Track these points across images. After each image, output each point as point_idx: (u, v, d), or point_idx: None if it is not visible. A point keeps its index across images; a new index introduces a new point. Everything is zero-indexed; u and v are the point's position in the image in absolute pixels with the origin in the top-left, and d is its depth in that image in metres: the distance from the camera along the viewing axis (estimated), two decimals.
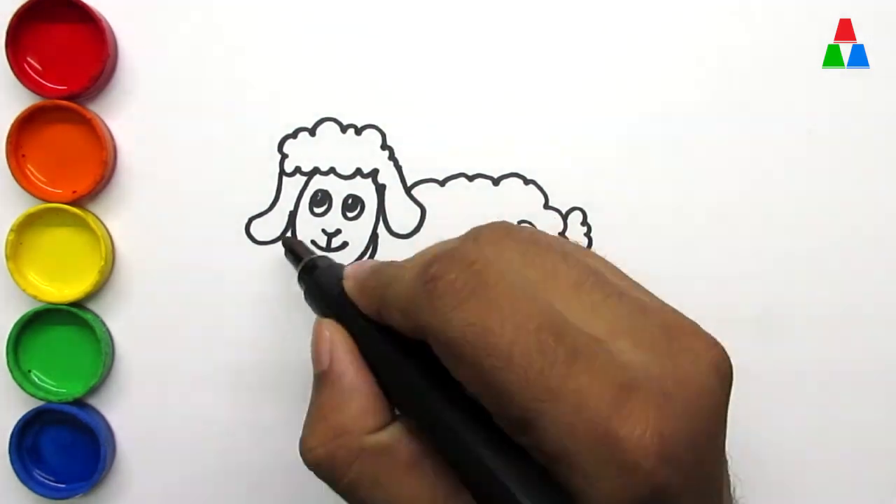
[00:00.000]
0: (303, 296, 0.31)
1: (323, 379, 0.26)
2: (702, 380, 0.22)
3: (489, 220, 0.36)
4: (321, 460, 0.25)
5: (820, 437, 0.37)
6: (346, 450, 0.25)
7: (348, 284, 0.28)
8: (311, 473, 0.37)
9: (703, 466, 0.22)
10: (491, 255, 0.23)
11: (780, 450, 0.37)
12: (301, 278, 0.32)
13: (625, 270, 0.37)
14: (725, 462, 0.24)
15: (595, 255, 0.26)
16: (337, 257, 0.36)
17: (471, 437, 0.22)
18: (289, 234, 0.36)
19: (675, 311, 0.24)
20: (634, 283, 0.25)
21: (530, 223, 0.36)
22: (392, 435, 0.25)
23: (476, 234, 0.26)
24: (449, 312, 0.22)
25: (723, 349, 0.24)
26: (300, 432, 0.36)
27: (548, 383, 0.20)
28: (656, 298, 0.25)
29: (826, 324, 0.36)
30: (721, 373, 0.23)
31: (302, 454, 0.26)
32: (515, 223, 0.36)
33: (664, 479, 0.20)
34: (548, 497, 0.21)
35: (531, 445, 0.21)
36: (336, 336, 0.27)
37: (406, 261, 0.26)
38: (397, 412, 0.25)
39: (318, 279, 0.30)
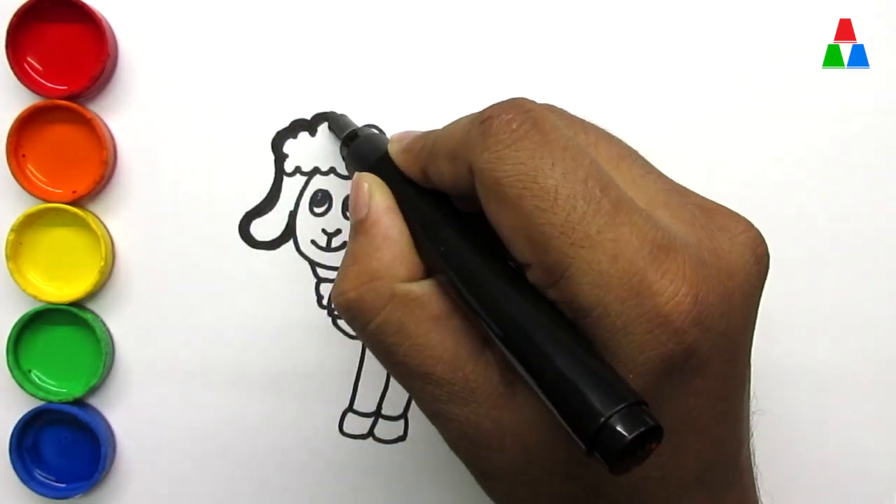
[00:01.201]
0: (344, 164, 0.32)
1: (359, 227, 0.26)
2: (737, 257, 0.23)
3: None
4: (352, 303, 0.25)
5: (819, 436, 0.37)
6: (377, 293, 0.25)
7: (393, 147, 0.28)
8: (311, 473, 0.37)
9: (733, 341, 0.22)
10: (543, 108, 0.24)
11: (779, 449, 0.37)
12: (343, 146, 0.32)
13: None
14: (749, 358, 0.24)
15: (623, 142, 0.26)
16: (337, 257, 0.36)
17: (501, 291, 0.22)
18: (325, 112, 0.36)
19: (707, 198, 0.25)
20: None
21: None
22: (422, 288, 0.25)
23: (522, 97, 0.25)
24: (502, 150, 0.22)
25: (759, 233, 0.24)
26: (300, 431, 0.36)
27: (588, 230, 0.21)
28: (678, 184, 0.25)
29: (826, 324, 0.36)
30: (757, 254, 0.23)
31: (333, 298, 0.26)
32: None
33: (694, 341, 0.20)
34: (576, 350, 0.20)
35: (562, 298, 0.21)
36: (374, 186, 0.27)
37: (460, 118, 0.26)
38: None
39: (360, 144, 0.31)
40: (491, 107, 0.23)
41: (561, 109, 0.26)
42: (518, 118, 0.22)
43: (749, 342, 0.23)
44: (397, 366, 0.25)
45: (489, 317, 0.22)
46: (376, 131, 0.32)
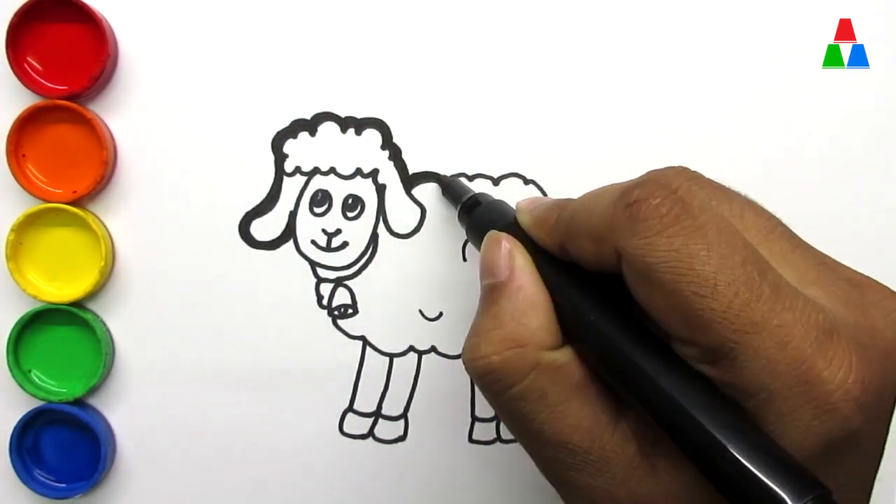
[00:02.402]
0: (464, 235, 0.32)
1: (501, 289, 0.26)
2: (892, 336, 0.23)
3: None
4: (495, 367, 0.24)
5: None
6: (523, 360, 0.24)
7: (524, 218, 0.28)
8: (312, 473, 0.37)
9: (883, 420, 0.22)
10: (688, 185, 0.23)
11: None
12: (463, 215, 0.32)
13: None
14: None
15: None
16: (337, 257, 0.36)
17: (650, 363, 0.22)
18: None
19: (854, 270, 0.25)
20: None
21: None
22: (564, 356, 0.25)
23: (663, 171, 0.25)
24: (652, 236, 0.22)
25: None
26: (300, 431, 0.36)
27: (752, 316, 0.20)
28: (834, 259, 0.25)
29: None
30: None
31: (470, 360, 0.25)
32: None
33: (857, 426, 0.20)
34: (749, 434, 0.20)
35: (723, 379, 0.21)
36: (516, 249, 0.27)
37: (594, 191, 0.26)
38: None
39: (483, 214, 0.30)
40: (636, 188, 0.23)
41: (701, 176, 0.26)
42: (667, 202, 0.22)
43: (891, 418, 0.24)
44: (532, 433, 0.24)
45: (644, 393, 0.22)
46: (493, 197, 0.32)
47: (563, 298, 0.25)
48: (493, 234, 0.28)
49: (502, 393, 0.25)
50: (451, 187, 0.34)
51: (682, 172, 0.25)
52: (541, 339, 0.25)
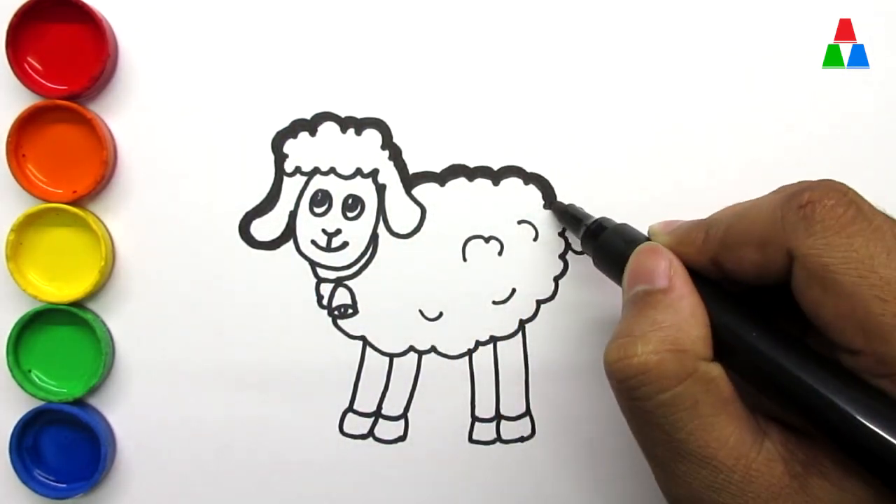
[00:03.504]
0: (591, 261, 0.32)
1: (660, 296, 0.26)
2: None
3: (489, 220, 0.37)
4: (651, 367, 0.24)
5: None
6: (682, 365, 0.24)
7: (664, 239, 0.28)
8: (311, 473, 0.37)
9: None
10: (855, 192, 0.23)
11: None
12: (588, 239, 0.32)
13: None
14: None
15: None
16: (337, 257, 0.36)
17: (822, 380, 0.22)
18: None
19: None
20: None
21: (531, 223, 0.36)
22: (717, 370, 0.24)
23: (823, 180, 0.25)
24: (830, 237, 0.22)
25: None
26: (300, 431, 0.36)
27: None
28: None
29: None
30: None
31: (621, 359, 0.25)
32: (516, 222, 0.36)
33: None
34: None
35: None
36: (675, 261, 0.27)
37: (742, 203, 0.26)
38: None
39: (612, 238, 0.30)
40: (806, 191, 0.23)
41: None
42: (841, 203, 0.22)
43: None
44: (675, 443, 0.24)
45: (818, 413, 0.22)
46: (614, 221, 0.32)
47: (719, 314, 0.25)
48: (651, 244, 0.28)
49: (650, 397, 0.24)
50: (568, 213, 0.34)
51: (840, 183, 0.25)
52: (699, 349, 0.24)
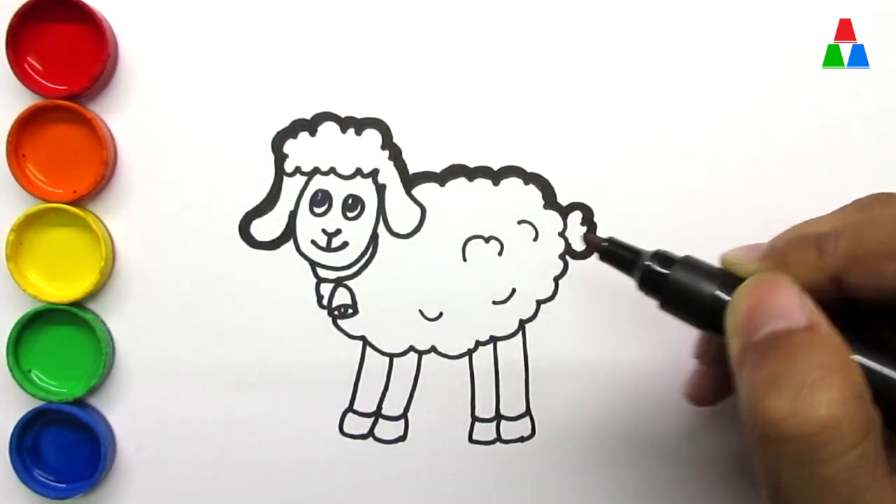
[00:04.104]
0: (656, 305, 0.28)
1: (807, 336, 0.22)
2: None
3: (489, 220, 0.37)
4: (841, 418, 0.20)
5: None
6: (868, 414, 0.20)
7: (755, 266, 0.25)
8: (311, 473, 0.37)
9: None
10: None
11: None
12: (651, 279, 0.28)
13: None
14: None
15: None
16: (337, 257, 0.36)
17: None
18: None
19: None
20: None
21: (531, 223, 0.36)
22: (878, 417, 0.21)
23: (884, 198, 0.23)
24: None
25: None
26: (300, 431, 0.36)
27: None
28: None
29: None
30: None
31: (796, 413, 0.20)
32: (516, 222, 0.36)
33: None
34: None
35: None
36: (803, 291, 0.23)
37: (859, 216, 0.23)
38: None
39: (688, 273, 0.27)
40: None
41: None
42: None
43: None
44: None
45: None
46: (670, 254, 0.28)
47: (864, 353, 0.22)
48: (767, 275, 0.24)
49: (838, 457, 0.20)
50: (611, 250, 0.30)
51: None
52: (868, 395, 0.21)
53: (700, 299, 0.26)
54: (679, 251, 0.36)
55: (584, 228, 0.36)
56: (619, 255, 0.30)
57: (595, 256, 0.31)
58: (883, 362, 0.22)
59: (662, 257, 0.28)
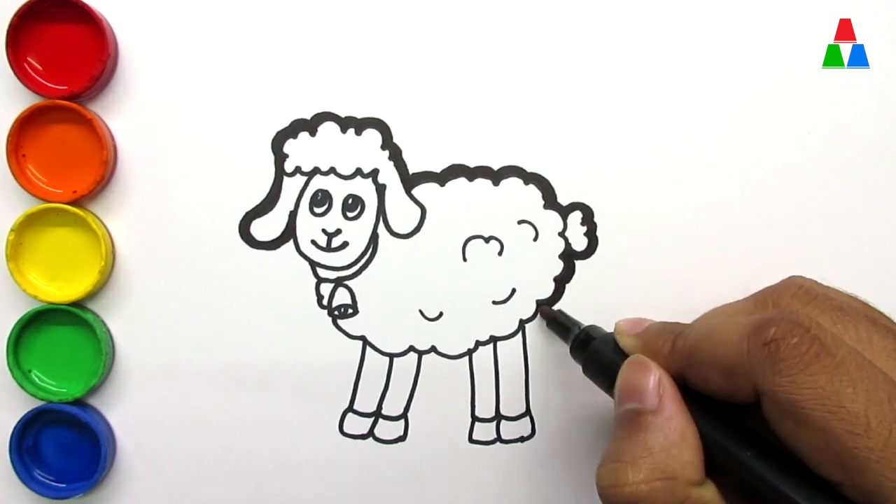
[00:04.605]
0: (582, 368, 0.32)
1: (650, 418, 0.26)
2: None
3: (489, 220, 0.36)
4: (643, 497, 0.24)
5: None
6: (672, 494, 0.24)
7: (628, 342, 0.29)
8: (311, 473, 0.37)
9: None
10: (815, 320, 0.24)
11: None
12: (577, 351, 0.32)
13: (625, 271, 0.37)
14: None
15: (890, 319, 0.27)
16: (337, 257, 0.36)
17: (809, 500, 0.22)
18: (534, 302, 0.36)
19: None
20: None
21: (531, 223, 0.36)
22: (709, 492, 0.25)
23: (776, 301, 0.27)
24: (795, 375, 0.22)
25: None
26: (300, 431, 0.36)
27: None
28: None
29: None
30: None
31: (612, 486, 0.25)
32: (516, 222, 0.36)
33: None
34: None
35: None
36: (664, 377, 0.27)
37: (712, 321, 0.27)
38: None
39: (601, 348, 0.31)
40: (770, 325, 0.23)
41: (819, 294, 0.26)
42: (805, 341, 0.23)
43: None
44: None
45: None
46: (602, 329, 0.33)
47: (711, 432, 0.25)
48: (640, 357, 0.28)
49: None
50: (557, 321, 0.35)
51: (798, 298, 0.26)
52: (689, 474, 0.24)
53: (607, 371, 0.30)
54: (679, 251, 0.36)
55: (538, 307, 0.37)
56: (559, 323, 0.35)
57: (544, 324, 0.36)
58: (729, 444, 0.25)
59: (590, 332, 0.32)
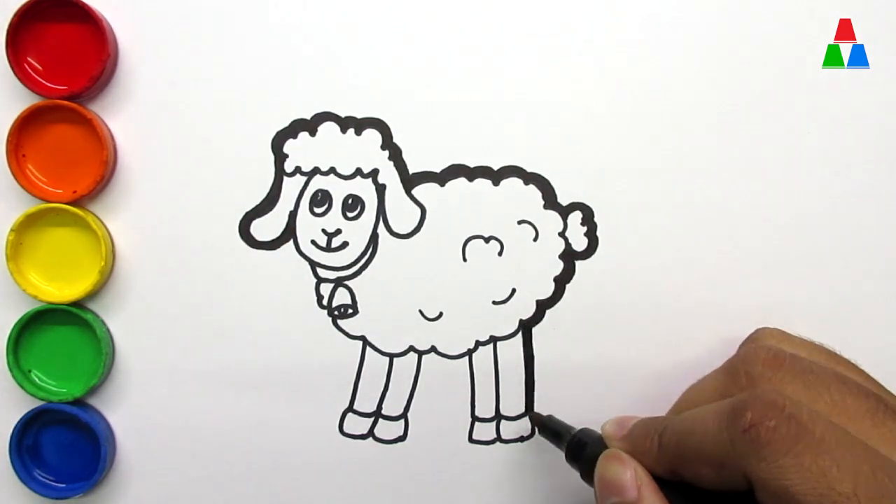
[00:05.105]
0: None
1: None
2: None
3: (489, 220, 0.36)
4: None
5: None
6: None
7: (618, 445, 0.29)
8: (311, 473, 0.37)
9: None
10: (788, 394, 0.24)
11: None
12: (572, 457, 0.33)
13: (625, 271, 0.37)
14: None
15: (857, 368, 0.28)
16: (337, 257, 0.36)
17: None
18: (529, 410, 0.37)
19: None
20: (891, 393, 0.27)
21: (531, 223, 0.36)
22: None
23: (748, 371, 0.27)
24: (781, 459, 0.23)
25: None
26: (300, 431, 0.36)
27: None
28: None
29: (826, 324, 0.36)
30: None
31: None
32: (516, 222, 0.36)
33: None
34: None
35: None
36: (640, 470, 0.27)
37: (689, 412, 0.27)
38: None
39: (594, 458, 0.31)
40: (745, 410, 0.24)
41: (785, 358, 0.27)
42: (783, 422, 0.23)
43: None
44: None
45: None
46: (594, 431, 0.33)
47: None
48: (614, 451, 0.29)
49: None
50: (548, 427, 0.35)
51: (768, 366, 0.26)
52: None
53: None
54: (679, 251, 0.36)
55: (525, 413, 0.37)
56: (551, 429, 0.34)
57: (536, 430, 0.36)
58: None
59: (582, 437, 0.32)
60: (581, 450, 0.32)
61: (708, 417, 0.25)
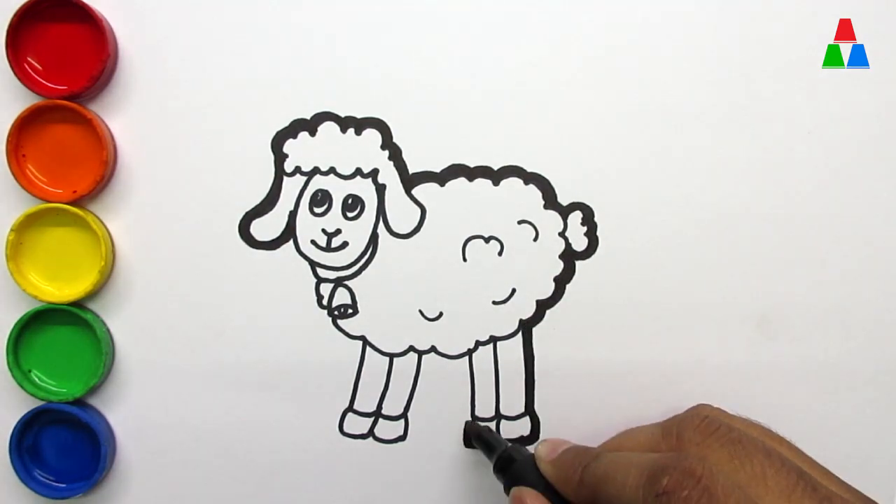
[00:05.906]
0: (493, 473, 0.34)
1: None
2: None
3: (489, 220, 0.36)
4: None
5: (819, 437, 0.37)
6: None
7: (546, 468, 0.31)
8: (311, 473, 0.37)
9: None
10: (709, 463, 0.25)
11: None
12: (498, 472, 0.34)
13: (625, 271, 0.37)
14: None
15: (791, 446, 0.29)
16: (337, 257, 0.36)
17: None
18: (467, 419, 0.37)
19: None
20: (826, 471, 0.28)
21: (531, 223, 0.36)
22: None
23: (680, 433, 0.28)
24: None
25: None
26: (300, 431, 0.36)
27: None
28: (854, 490, 0.27)
29: (826, 324, 0.36)
30: None
31: None
32: (516, 222, 0.36)
33: None
34: None
35: None
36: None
37: (618, 452, 0.29)
38: None
39: (520, 471, 0.32)
40: (663, 474, 0.25)
41: (720, 427, 0.28)
42: (695, 492, 0.24)
43: None
44: None
45: None
46: (525, 450, 0.34)
47: None
48: (516, 491, 0.31)
49: None
50: (482, 438, 0.35)
51: (699, 432, 0.28)
52: None
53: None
54: (679, 251, 0.36)
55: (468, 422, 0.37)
56: (485, 440, 0.35)
57: (473, 440, 0.36)
58: None
59: (512, 454, 0.33)
60: (509, 465, 0.33)
61: (630, 471, 0.26)
